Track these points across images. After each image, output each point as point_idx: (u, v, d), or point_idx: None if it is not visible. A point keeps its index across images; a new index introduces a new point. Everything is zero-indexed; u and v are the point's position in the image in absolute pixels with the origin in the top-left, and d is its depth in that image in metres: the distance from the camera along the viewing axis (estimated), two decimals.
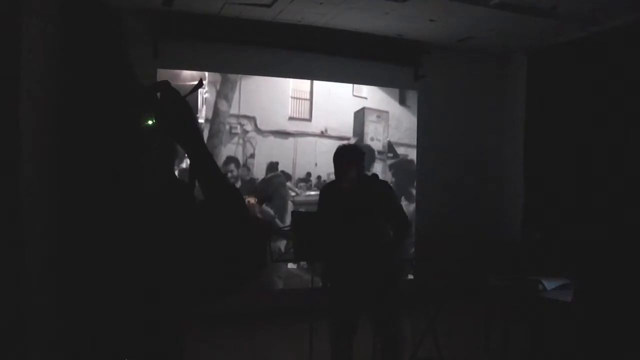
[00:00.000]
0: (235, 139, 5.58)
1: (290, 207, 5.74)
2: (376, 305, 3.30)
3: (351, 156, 3.31)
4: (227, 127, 5.54)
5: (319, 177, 5.83)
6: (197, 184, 1.11)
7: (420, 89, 6.30)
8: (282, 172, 5.76)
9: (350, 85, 6.04)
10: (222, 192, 1.10)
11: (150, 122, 1.05)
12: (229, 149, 5.54)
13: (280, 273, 5.66)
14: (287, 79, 5.79)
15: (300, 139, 5.83)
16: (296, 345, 4.04)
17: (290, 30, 5.54)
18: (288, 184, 5.79)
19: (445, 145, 6.36)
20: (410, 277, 5.81)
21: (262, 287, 5.39)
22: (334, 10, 5.07)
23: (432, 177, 6.30)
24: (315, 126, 5.89)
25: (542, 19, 5.13)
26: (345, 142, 5.63)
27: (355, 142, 5.86)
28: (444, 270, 5.43)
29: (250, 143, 5.64)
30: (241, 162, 5.61)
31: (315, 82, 5.90)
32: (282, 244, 5.51)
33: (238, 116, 5.58)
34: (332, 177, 3.52)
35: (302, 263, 5.41)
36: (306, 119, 5.87)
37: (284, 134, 5.76)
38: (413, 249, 6.13)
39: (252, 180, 5.64)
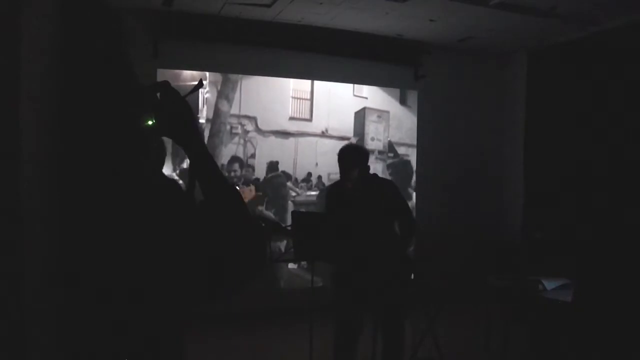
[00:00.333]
0: (236, 139, 5.58)
1: (290, 207, 5.74)
2: (382, 305, 3.30)
3: (355, 156, 3.31)
4: (228, 127, 5.54)
5: (319, 177, 5.83)
6: (197, 184, 1.11)
7: (420, 89, 6.30)
8: (283, 172, 5.76)
9: (351, 85, 6.04)
10: (222, 192, 1.10)
11: (150, 122, 1.05)
12: (229, 149, 5.54)
13: (281, 273, 5.66)
14: (288, 79, 5.79)
15: (300, 139, 5.83)
16: (296, 345, 4.04)
17: (290, 30, 5.54)
18: (288, 184, 5.79)
19: (445, 145, 6.36)
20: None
21: (262, 287, 5.39)
22: (334, 10, 5.07)
23: (432, 177, 6.30)
24: (316, 126, 5.89)
25: (542, 19, 5.13)
26: (346, 142, 5.63)
27: (356, 142, 5.87)
28: (444, 270, 5.43)
29: (251, 143, 5.64)
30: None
31: (315, 82, 5.90)
32: (282, 245, 5.51)
33: (239, 116, 5.59)
34: (333, 177, 3.52)
35: (303, 263, 5.41)
36: (307, 119, 5.87)
37: (284, 134, 5.76)
38: (412, 249, 6.13)
39: (256, 180, 5.65)
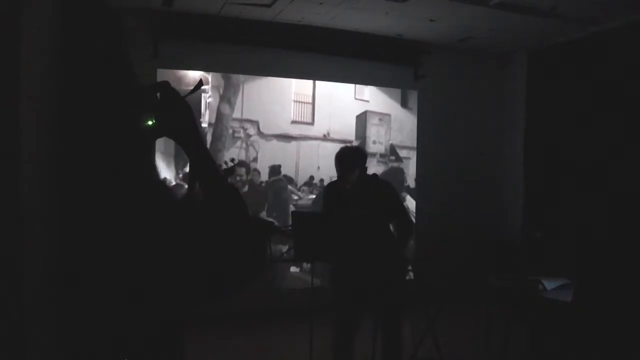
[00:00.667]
0: (238, 143, 5.58)
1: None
2: (380, 305, 3.30)
3: (354, 157, 3.31)
4: (230, 131, 5.54)
5: (321, 180, 5.83)
6: (197, 184, 1.11)
7: (420, 89, 6.30)
8: (285, 175, 5.75)
9: (352, 88, 6.04)
10: (222, 192, 1.10)
11: (150, 122, 1.05)
12: (232, 152, 5.55)
13: (282, 275, 5.66)
14: (290, 82, 5.80)
15: (302, 143, 5.83)
16: (296, 345, 4.04)
17: (290, 30, 5.54)
18: (290, 187, 5.79)
19: (445, 145, 6.36)
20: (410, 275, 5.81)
21: (263, 287, 5.38)
22: (334, 10, 5.07)
23: (432, 177, 6.30)
24: (318, 129, 5.89)
25: (542, 19, 5.13)
26: (347, 144, 5.63)
27: (357, 145, 5.86)
28: (444, 270, 5.42)
29: (253, 147, 5.64)
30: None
31: (317, 85, 5.90)
32: (284, 247, 5.51)
33: (241, 120, 5.59)
34: (334, 179, 3.53)
35: (306, 266, 5.40)
36: (309, 123, 5.88)
37: (286, 138, 5.76)
38: (411, 249, 6.13)
39: (260, 184, 5.66)
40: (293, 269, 5.64)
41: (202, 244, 1.02)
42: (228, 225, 1.06)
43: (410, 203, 6.29)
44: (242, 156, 5.60)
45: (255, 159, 5.64)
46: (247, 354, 4.45)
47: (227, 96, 5.54)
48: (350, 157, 3.31)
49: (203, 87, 5.25)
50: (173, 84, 1.10)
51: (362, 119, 6.10)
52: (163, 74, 5.06)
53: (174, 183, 5.21)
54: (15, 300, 1.27)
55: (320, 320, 3.36)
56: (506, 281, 3.74)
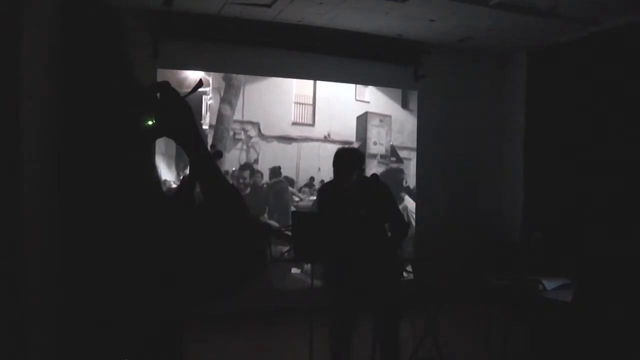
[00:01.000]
0: (239, 145, 5.58)
1: None
2: (376, 305, 3.30)
3: (352, 159, 3.32)
4: (231, 132, 5.54)
5: (322, 182, 5.83)
6: (197, 185, 1.11)
7: (420, 89, 6.30)
8: (285, 177, 5.75)
9: (353, 89, 6.04)
10: (222, 192, 1.10)
11: (150, 122, 1.05)
12: (233, 154, 5.55)
13: (282, 276, 5.65)
14: (290, 84, 5.80)
15: (303, 144, 5.83)
16: (296, 345, 4.04)
17: (290, 30, 5.54)
18: (291, 189, 5.79)
19: (445, 144, 6.36)
20: (408, 275, 5.81)
21: (263, 287, 5.38)
22: (334, 10, 5.07)
23: (432, 177, 6.30)
24: (319, 131, 5.89)
25: (542, 19, 5.13)
26: (346, 145, 5.62)
27: (358, 147, 5.85)
28: (444, 270, 5.42)
29: (254, 148, 5.64)
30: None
31: (318, 87, 5.90)
32: (284, 248, 5.50)
33: (242, 122, 5.59)
34: (330, 180, 3.53)
35: (306, 267, 5.40)
36: (309, 124, 5.88)
37: (287, 139, 5.76)
38: (409, 249, 6.12)
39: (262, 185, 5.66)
40: (294, 270, 5.63)
41: (202, 244, 1.02)
42: (228, 225, 1.06)
43: (411, 203, 6.30)
44: (243, 158, 5.60)
45: (256, 161, 5.64)
46: (247, 354, 4.45)
47: (227, 98, 5.54)
48: (349, 158, 3.31)
49: (204, 89, 5.27)
50: (173, 86, 1.10)
51: (362, 120, 6.10)
52: (163, 74, 5.06)
53: (174, 185, 5.21)
54: (15, 300, 1.27)
55: (320, 321, 3.37)
56: (506, 281, 3.74)
